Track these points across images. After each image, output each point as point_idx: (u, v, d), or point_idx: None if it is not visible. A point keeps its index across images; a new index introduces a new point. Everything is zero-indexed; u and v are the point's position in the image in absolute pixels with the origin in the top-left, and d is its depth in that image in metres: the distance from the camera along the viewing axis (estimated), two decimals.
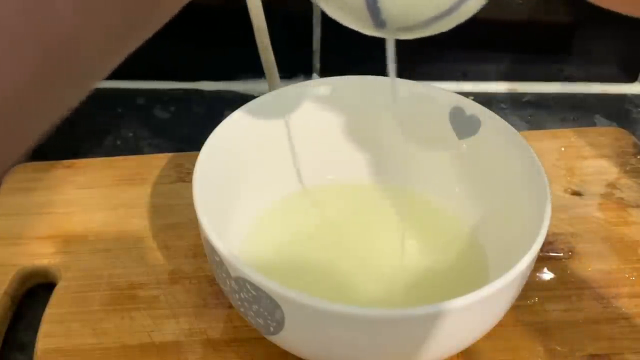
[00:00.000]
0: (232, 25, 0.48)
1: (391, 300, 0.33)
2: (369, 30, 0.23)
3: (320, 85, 0.37)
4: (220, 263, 0.27)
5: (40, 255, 0.36)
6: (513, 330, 0.33)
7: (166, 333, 0.33)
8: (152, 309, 0.34)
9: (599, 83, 0.53)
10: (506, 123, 0.34)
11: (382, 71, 0.36)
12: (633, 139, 0.45)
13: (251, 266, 0.26)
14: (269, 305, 0.26)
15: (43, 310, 0.34)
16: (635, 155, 0.43)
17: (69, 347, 0.32)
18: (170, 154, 0.43)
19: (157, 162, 0.42)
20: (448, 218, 0.37)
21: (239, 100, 0.35)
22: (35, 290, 0.36)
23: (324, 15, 0.48)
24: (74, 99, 0.20)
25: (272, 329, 0.27)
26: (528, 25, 0.51)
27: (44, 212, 0.38)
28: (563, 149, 0.44)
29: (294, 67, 0.51)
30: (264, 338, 0.29)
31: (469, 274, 0.34)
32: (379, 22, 0.22)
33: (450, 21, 0.22)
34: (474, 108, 0.36)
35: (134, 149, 0.46)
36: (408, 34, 0.23)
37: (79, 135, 0.46)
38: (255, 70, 0.47)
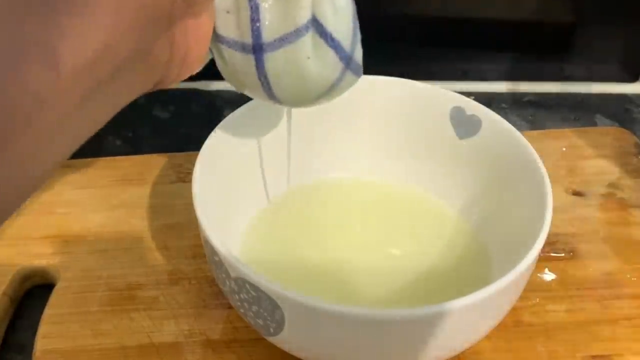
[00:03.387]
0: None
1: (392, 300, 0.32)
2: (273, 104, 0.29)
3: None
4: (220, 263, 0.27)
5: (39, 255, 0.36)
6: (514, 330, 0.33)
7: (165, 334, 0.32)
8: (152, 310, 0.33)
9: (600, 83, 0.53)
10: (507, 123, 0.34)
11: (381, 71, 0.36)
12: (634, 138, 0.45)
13: (250, 266, 0.26)
14: (269, 305, 0.26)
15: (42, 310, 0.33)
16: (636, 155, 0.43)
17: (68, 348, 0.32)
18: (170, 154, 0.43)
19: (156, 162, 0.42)
20: (449, 218, 0.37)
21: (239, 100, 0.35)
22: (34, 291, 0.36)
23: None
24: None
25: (272, 329, 0.27)
26: (529, 25, 0.51)
27: (43, 212, 0.38)
28: (564, 149, 0.44)
29: None
30: (264, 339, 0.29)
31: (470, 274, 0.33)
32: (277, 101, 0.29)
33: (331, 97, 0.29)
34: (474, 108, 0.35)
35: (133, 149, 0.46)
36: (303, 106, 0.30)
37: None
38: None
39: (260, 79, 0.27)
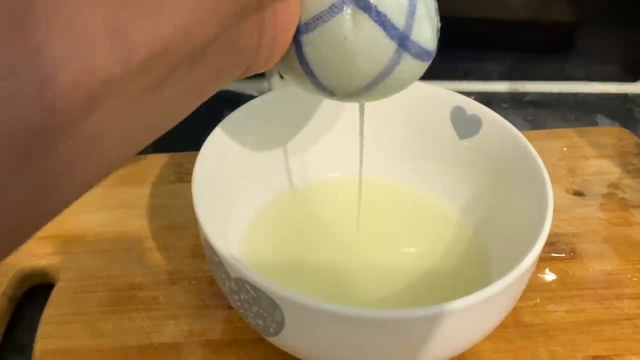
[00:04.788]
0: None
1: (392, 300, 0.32)
2: (328, 98, 0.27)
3: None
4: (220, 264, 0.27)
5: (39, 255, 0.36)
6: (514, 331, 0.33)
7: (165, 334, 0.32)
8: (151, 310, 0.33)
9: (600, 82, 0.53)
10: (507, 123, 0.34)
11: None
12: (635, 138, 0.45)
13: (251, 267, 0.26)
14: (269, 306, 0.26)
15: (42, 311, 0.33)
16: (637, 155, 0.43)
17: (67, 348, 0.32)
18: (169, 154, 0.42)
19: (156, 162, 0.42)
20: (449, 218, 0.37)
21: (239, 100, 0.35)
22: (34, 291, 0.36)
23: None
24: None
25: (272, 330, 0.27)
26: (529, 25, 0.51)
27: None
28: (565, 148, 0.44)
29: None
30: (264, 339, 0.29)
31: (471, 274, 0.33)
32: (329, 93, 0.26)
33: (389, 85, 0.25)
34: (475, 108, 0.35)
35: None
36: (359, 97, 0.26)
37: None
38: None
39: (302, 66, 0.25)
